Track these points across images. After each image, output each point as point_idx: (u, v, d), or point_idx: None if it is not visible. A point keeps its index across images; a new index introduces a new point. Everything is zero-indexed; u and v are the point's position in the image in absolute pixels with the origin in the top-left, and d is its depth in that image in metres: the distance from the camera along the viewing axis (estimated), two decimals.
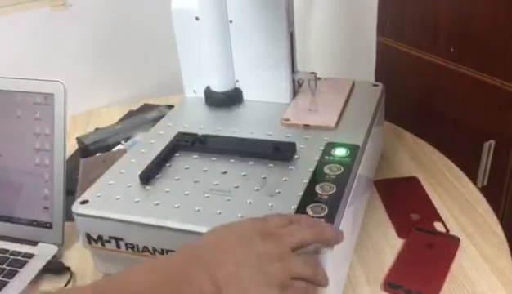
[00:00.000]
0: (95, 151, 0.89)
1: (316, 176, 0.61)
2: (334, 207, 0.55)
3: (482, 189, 0.79)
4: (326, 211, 0.55)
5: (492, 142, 0.93)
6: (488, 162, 0.94)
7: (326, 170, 0.62)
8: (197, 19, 0.76)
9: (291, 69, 0.78)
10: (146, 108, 1.07)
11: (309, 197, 0.57)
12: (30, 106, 0.69)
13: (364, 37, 1.18)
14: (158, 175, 0.64)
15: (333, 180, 0.60)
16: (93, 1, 1.11)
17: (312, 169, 0.62)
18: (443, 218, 0.71)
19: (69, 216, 0.64)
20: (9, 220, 0.71)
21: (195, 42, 0.79)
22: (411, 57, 1.06)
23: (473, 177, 0.83)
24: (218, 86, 0.80)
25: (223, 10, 0.75)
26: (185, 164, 0.66)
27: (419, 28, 1.04)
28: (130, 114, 1.06)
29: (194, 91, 0.83)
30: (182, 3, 0.77)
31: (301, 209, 0.55)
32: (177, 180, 0.63)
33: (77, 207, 0.59)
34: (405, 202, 0.75)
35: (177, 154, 0.68)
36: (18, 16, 1.05)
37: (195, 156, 0.67)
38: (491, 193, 0.80)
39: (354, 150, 0.65)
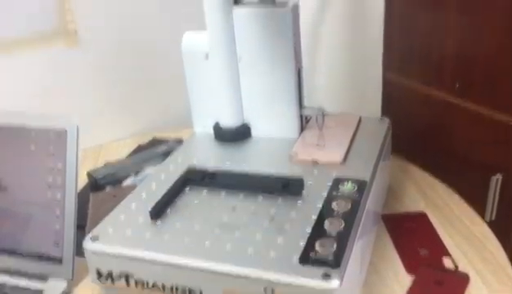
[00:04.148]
0: (105, 185, 0.90)
1: (325, 212, 0.61)
2: (342, 242, 0.56)
3: (491, 224, 0.79)
4: (335, 246, 0.55)
5: (500, 176, 0.93)
6: (496, 196, 0.94)
7: (334, 205, 0.62)
8: (207, 57, 0.78)
9: (299, 104, 0.80)
10: (156, 142, 1.09)
11: (317, 232, 0.57)
12: (44, 141, 0.70)
13: (370, 72, 1.19)
14: (168, 211, 0.64)
15: (341, 216, 0.60)
16: (103, 36, 1.14)
17: (320, 205, 0.63)
18: (452, 254, 0.71)
19: (78, 250, 0.65)
20: (18, 254, 0.72)
21: (204, 80, 0.80)
22: (417, 92, 1.07)
23: (481, 211, 0.83)
24: (227, 123, 0.81)
25: (233, 48, 0.77)
26: (195, 199, 0.66)
27: (424, 64, 1.05)
28: (139, 148, 1.08)
29: (203, 127, 0.85)
30: (192, 43, 0.79)
31: (310, 245, 0.55)
32: (186, 215, 0.63)
33: (87, 243, 0.60)
34: (413, 237, 0.75)
35: (187, 189, 0.69)
36: (29, 53, 1.08)
37: (205, 191, 0.68)
38: (500, 228, 0.80)
39: (362, 185, 0.66)
